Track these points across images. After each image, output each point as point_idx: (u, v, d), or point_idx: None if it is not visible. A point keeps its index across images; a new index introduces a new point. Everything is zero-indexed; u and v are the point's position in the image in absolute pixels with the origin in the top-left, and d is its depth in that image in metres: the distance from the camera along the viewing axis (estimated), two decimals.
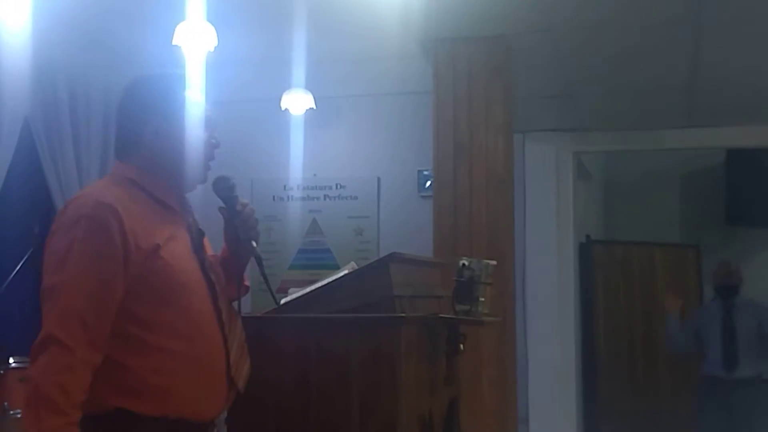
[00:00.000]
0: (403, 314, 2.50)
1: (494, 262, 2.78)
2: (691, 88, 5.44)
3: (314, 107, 6.13)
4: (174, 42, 4.82)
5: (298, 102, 6.10)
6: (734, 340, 6.56)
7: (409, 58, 5.36)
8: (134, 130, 2.37)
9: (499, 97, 4.56)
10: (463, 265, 2.69)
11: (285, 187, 6.69)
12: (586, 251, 7.33)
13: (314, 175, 6.58)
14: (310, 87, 6.08)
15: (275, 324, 2.61)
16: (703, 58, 4.93)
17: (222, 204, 2.51)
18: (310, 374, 2.51)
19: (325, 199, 6.58)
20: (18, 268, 4.80)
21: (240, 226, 2.46)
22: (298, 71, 5.88)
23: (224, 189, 2.49)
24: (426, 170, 5.94)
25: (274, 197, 6.72)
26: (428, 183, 5.81)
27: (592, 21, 4.42)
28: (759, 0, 4.16)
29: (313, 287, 2.68)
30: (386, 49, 5.62)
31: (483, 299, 2.70)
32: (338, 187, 6.58)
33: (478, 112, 4.56)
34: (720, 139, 6.36)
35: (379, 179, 6.44)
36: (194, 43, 4.86)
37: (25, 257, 4.84)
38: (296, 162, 6.49)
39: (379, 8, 4.56)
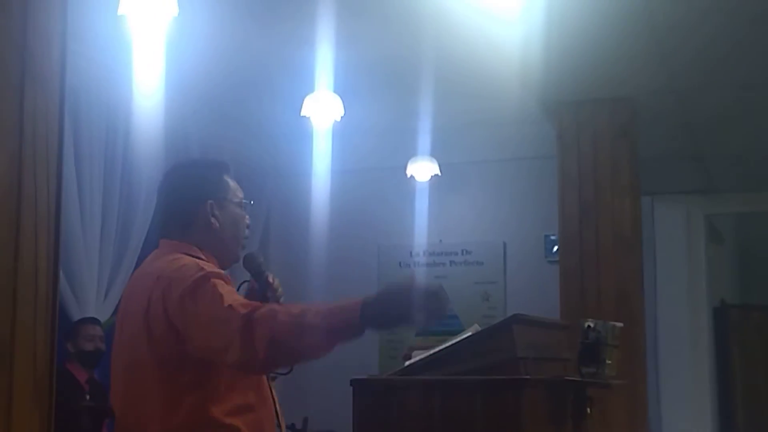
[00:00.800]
0: (527, 376, 2.48)
1: (620, 324, 2.73)
2: None
3: (439, 173, 6.19)
4: (302, 113, 4.96)
5: (423, 169, 6.19)
6: None
7: (532, 122, 5.37)
8: (189, 211, 2.52)
9: (624, 157, 4.53)
10: (588, 326, 2.65)
11: (411, 253, 6.74)
12: (721, 316, 7.09)
13: (440, 241, 6.61)
14: (434, 154, 6.15)
15: (400, 385, 2.62)
16: None
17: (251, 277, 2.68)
18: None
19: (450, 264, 6.60)
20: None
21: (272, 296, 2.62)
22: (423, 138, 5.96)
23: (255, 265, 2.65)
24: (553, 235, 5.88)
25: (400, 263, 6.77)
26: (555, 248, 5.76)
27: (718, 80, 4.36)
28: None
29: (436, 349, 2.69)
30: (509, 115, 5.66)
31: (609, 362, 2.65)
32: (464, 252, 6.59)
33: (603, 173, 4.53)
34: None
35: (505, 244, 6.43)
36: (322, 113, 5.00)
37: None
38: (421, 228, 6.53)
39: (499, 72, 4.60)
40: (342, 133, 5.57)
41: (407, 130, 5.86)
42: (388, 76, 5.15)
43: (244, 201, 2.59)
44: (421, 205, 6.46)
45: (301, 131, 5.50)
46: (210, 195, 2.52)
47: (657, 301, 6.11)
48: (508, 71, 4.48)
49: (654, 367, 5.93)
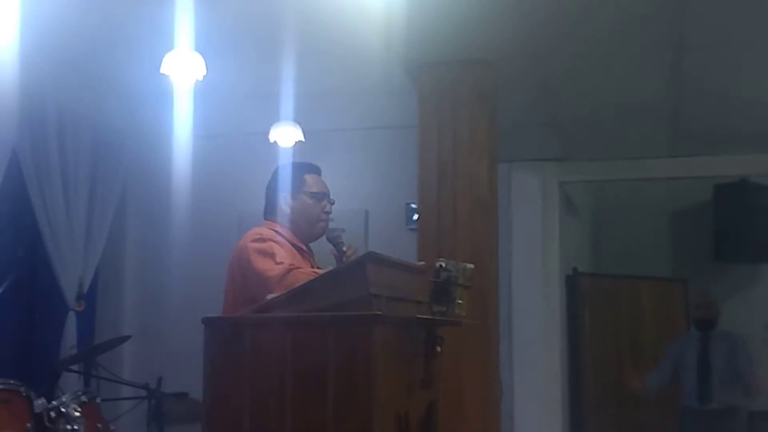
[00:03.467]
0: (379, 312, 2.51)
1: (471, 265, 2.79)
2: (677, 116, 5.50)
3: (303, 140, 6.17)
4: (162, 71, 4.85)
5: (286, 135, 6.13)
6: (709, 372, 6.58)
7: (399, 92, 5.40)
8: (270, 201, 3.69)
9: (483, 121, 4.60)
10: (440, 266, 2.70)
11: None
12: (573, 283, 7.34)
13: None
14: (298, 120, 6.11)
15: (252, 322, 2.61)
16: (688, 86, 4.99)
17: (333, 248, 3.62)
18: (286, 373, 2.51)
19: None
20: (1, 291, 4.78)
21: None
22: (287, 104, 5.91)
23: (333, 237, 3.62)
24: (414, 203, 5.95)
25: None
26: (415, 216, 5.83)
27: (578, 47, 4.48)
28: (743, 25, 4.22)
29: (292, 289, 2.70)
30: (373, 83, 5.68)
31: (460, 301, 2.72)
32: None
33: (462, 136, 4.59)
34: (706, 169, 6.40)
35: (367, 212, 6.46)
36: (182, 72, 4.89)
37: (9, 281, 4.84)
38: None
39: (364, 33, 4.61)
40: (203, 96, 5.49)
41: (271, 94, 5.80)
42: (251, 37, 5.09)
43: (321, 194, 3.66)
44: None
45: (161, 92, 5.40)
46: (285, 189, 3.65)
47: (512, 268, 6.25)
48: (371, 33, 4.49)
49: (507, 332, 6.08)
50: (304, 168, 3.77)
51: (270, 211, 3.70)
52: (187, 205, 6.32)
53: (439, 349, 2.77)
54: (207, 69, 4.86)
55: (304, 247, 3.70)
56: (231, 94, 6.06)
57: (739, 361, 6.56)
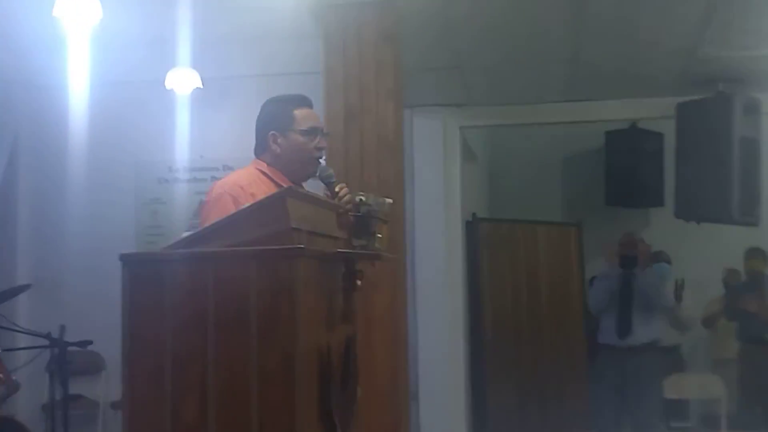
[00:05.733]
0: (301, 246, 2.51)
1: (390, 200, 2.82)
2: (575, 61, 5.60)
3: (201, 87, 6.06)
4: (54, 14, 4.69)
5: (183, 81, 6.01)
6: (629, 309, 6.82)
7: (303, 37, 5.34)
8: (260, 140, 3.46)
9: (388, 62, 4.61)
10: (361, 200, 2.72)
11: (170, 168, 6.62)
12: (472, 228, 7.46)
13: (201, 156, 6.51)
14: (196, 66, 6.00)
15: (172, 258, 2.58)
16: (587, 30, 5.08)
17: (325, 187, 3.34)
18: (208, 309, 2.49)
19: (211, 180, 6.49)
20: None
21: (339, 204, 3.14)
22: (184, 50, 5.80)
23: (325, 177, 3.34)
24: None
25: (159, 180, 6.63)
26: (323, 159, 5.81)
27: None
28: None
29: (210, 225, 2.68)
30: (277, 27, 5.60)
31: (380, 235, 2.74)
32: (225, 168, 6.49)
33: (367, 77, 4.60)
34: (598, 113, 6.56)
35: None
36: (76, 16, 4.73)
37: None
38: (182, 143, 6.40)
39: None
40: (99, 41, 5.34)
41: (169, 39, 5.68)
42: None
43: (312, 129, 3.36)
44: (182, 120, 6.33)
45: (55, 37, 5.22)
46: (273, 127, 3.40)
47: (414, 212, 6.31)
48: None
49: (411, 275, 6.14)
50: (293, 102, 3.44)
51: (260, 150, 3.46)
52: (84, 154, 6.20)
53: (359, 282, 2.79)
54: (102, 13, 4.72)
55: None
56: (127, 39, 5.90)
57: (662, 297, 6.89)
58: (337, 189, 3.27)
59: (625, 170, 8.60)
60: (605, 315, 6.87)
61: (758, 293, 7.60)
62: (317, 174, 3.38)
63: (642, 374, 6.81)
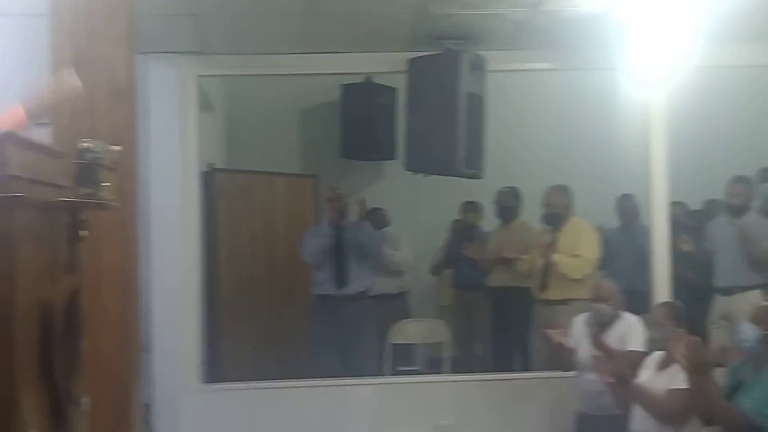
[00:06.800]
0: (20, 194, 2.38)
1: (118, 147, 2.74)
2: (312, 13, 5.63)
3: None
4: None
5: None
6: (344, 260, 7.12)
7: None
8: None
9: (121, 6, 4.43)
10: (86, 147, 2.62)
11: None
12: (209, 179, 7.40)
13: None
14: None
15: None
16: None
17: None
18: None
19: None
20: None
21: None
22: None
23: None
24: None
25: None
26: None
27: None
28: None
29: None
30: None
31: (106, 184, 2.66)
32: None
33: (98, 21, 4.40)
34: (334, 66, 6.64)
35: None
36: None
37: None
38: None
39: None
40: None
41: None
42: None
43: None
44: None
45: None
46: None
47: (149, 162, 6.16)
48: None
49: (145, 227, 6.01)
50: None
51: None
52: None
53: (84, 233, 2.70)
54: None
55: None
56: None
57: (374, 249, 7.31)
58: None
59: (360, 123, 8.79)
60: (323, 266, 7.16)
61: (474, 243, 8.14)
62: None
63: (360, 321, 7.24)
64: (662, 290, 6.36)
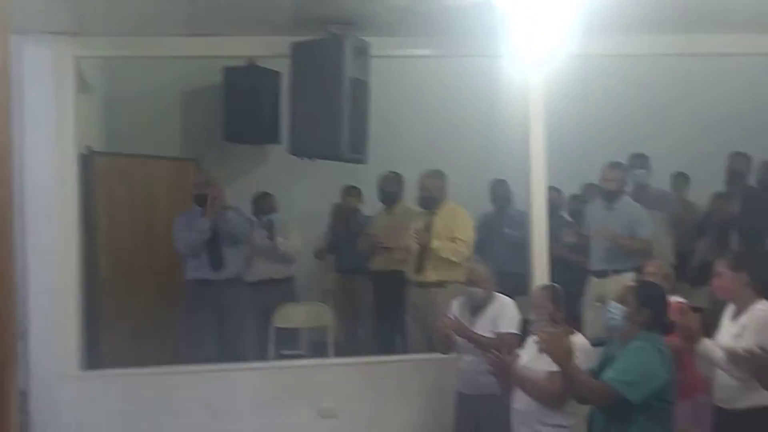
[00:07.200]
0: None
1: None
2: None
3: None
4: None
5: None
6: (219, 245, 7.19)
7: None
8: None
9: None
10: None
11: None
12: (87, 163, 7.23)
13: None
14: None
15: None
16: None
17: None
18: None
19: None
20: None
21: None
22: None
23: None
24: None
25: None
26: None
27: None
28: None
29: None
30: None
31: None
32: None
33: None
34: (217, 49, 6.57)
35: None
36: None
37: None
38: None
39: None
40: None
41: None
42: None
43: None
44: None
45: None
46: None
47: (24, 147, 5.99)
48: None
49: (19, 213, 5.85)
50: None
51: None
52: None
53: None
54: None
55: None
56: None
57: (245, 233, 7.54)
58: None
59: (243, 107, 8.75)
60: (198, 252, 7.22)
61: (354, 228, 8.22)
62: None
63: (239, 305, 7.34)
64: (541, 274, 6.54)
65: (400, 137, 8.98)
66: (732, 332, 4.99)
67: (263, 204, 8.33)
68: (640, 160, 8.16)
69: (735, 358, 4.55)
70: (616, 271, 7.12)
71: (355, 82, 6.17)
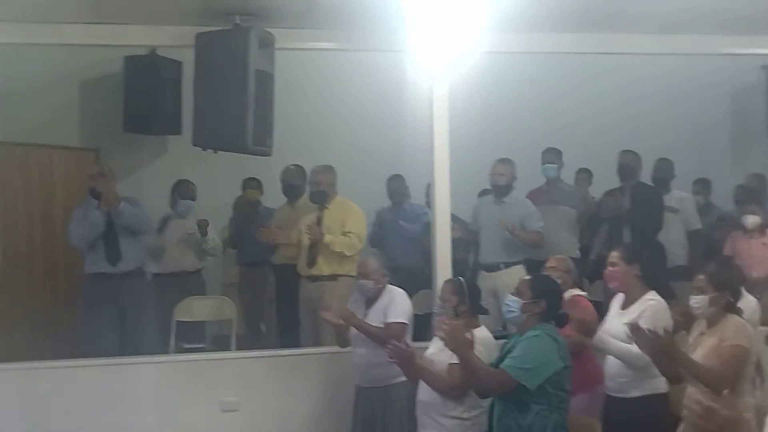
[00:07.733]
0: None
1: None
2: None
3: None
4: None
5: None
6: (114, 237, 7.03)
7: None
8: None
9: None
10: None
11: None
12: None
13: None
14: None
15: None
16: None
17: None
18: None
19: None
20: None
21: None
22: None
23: None
24: None
25: None
26: None
27: None
28: None
29: None
30: None
31: None
32: None
33: None
34: (118, 37, 6.44)
35: None
36: None
37: None
38: None
39: None
40: None
41: None
42: None
43: None
44: None
45: None
46: None
47: None
48: None
49: None
50: None
51: None
52: None
53: None
54: None
55: None
56: None
57: (144, 224, 7.30)
58: None
59: (143, 97, 8.58)
60: (94, 245, 7.03)
61: (256, 221, 8.15)
62: None
63: (139, 298, 7.22)
64: (444, 268, 6.58)
65: (305, 130, 8.94)
66: (623, 321, 5.12)
67: (183, 191, 8.20)
68: (552, 154, 8.26)
69: (639, 335, 4.66)
70: (507, 264, 7.28)
71: (260, 74, 6.15)
